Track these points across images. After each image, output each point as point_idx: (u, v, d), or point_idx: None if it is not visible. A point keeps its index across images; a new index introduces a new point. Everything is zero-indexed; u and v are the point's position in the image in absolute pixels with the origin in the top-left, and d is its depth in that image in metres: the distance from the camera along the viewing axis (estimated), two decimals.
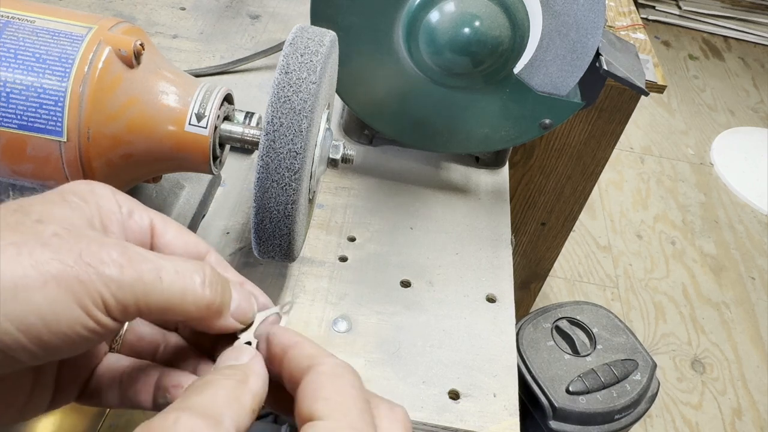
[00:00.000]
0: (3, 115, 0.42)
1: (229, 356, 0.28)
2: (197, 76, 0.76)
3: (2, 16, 0.43)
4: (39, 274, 0.23)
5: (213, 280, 0.27)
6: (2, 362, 0.23)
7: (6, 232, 0.24)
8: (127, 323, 0.31)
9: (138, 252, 0.26)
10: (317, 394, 0.25)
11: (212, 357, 0.30)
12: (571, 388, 0.76)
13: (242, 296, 0.29)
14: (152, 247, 0.29)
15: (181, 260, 0.27)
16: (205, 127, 0.45)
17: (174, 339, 0.31)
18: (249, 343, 0.29)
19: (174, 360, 0.31)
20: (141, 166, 0.47)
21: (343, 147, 0.51)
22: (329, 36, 0.46)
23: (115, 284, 0.24)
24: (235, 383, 0.25)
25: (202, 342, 0.31)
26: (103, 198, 0.28)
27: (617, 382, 0.78)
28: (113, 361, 0.30)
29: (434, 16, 0.55)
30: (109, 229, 0.27)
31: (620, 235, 1.97)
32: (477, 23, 0.54)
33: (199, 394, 0.24)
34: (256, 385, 0.26)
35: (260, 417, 0.30)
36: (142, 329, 0.31)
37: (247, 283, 0.31)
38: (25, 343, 0.23)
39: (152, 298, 0.25)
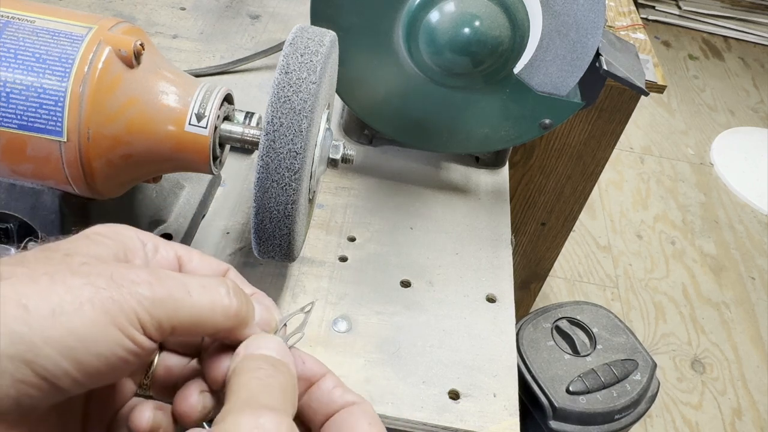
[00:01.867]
0: (3, 115, 0.42)
1: (259, 343, 0.29)
2: (197, 76, 0.76)
3: (2, 16, 0.43)
4: (74, 298, 0.24)
5: (237, 290, 0.28)
6: (46, 392, 0.23)
7: (38, 265, 0.25)
8: (157, 357, 0.31)
9: (164, 272, 0.27)
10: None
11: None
12: (571, 388, 0.76)
13: (263, 308, 0.30)
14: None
15: (204, 277, 0.28)
16: (205, 127, 0.45)
17: (193, 367, 0.32)
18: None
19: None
20: (141, 166, 0.47)
21: (343, 147, 0.51)
22: (329, 36, 0.46)
23: (148, 301, 0.25)
24: (286, 375, 0.27)
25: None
26: (127, 237, 0.29)
27: (617, 382, 0.78)
28: (132, 404, 0.31)
29: (434, 16, 0.55)
30: (133, 263, 0.28)
31: (620, 235, 1.97)
32: (477, 23, 0.54)
33: (254, 388, 0.26)
34: (294, 376, 0.28)
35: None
36: (170, 361, 0.31)
37: (258, 293, 0.32)
38: (67, 368, 0.23)
39: (183, 313, 0.26)
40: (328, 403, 0.29)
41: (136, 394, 0.31)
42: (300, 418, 0.29)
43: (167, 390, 0.31)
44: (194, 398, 0.29)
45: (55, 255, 0.26)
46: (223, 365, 0.29)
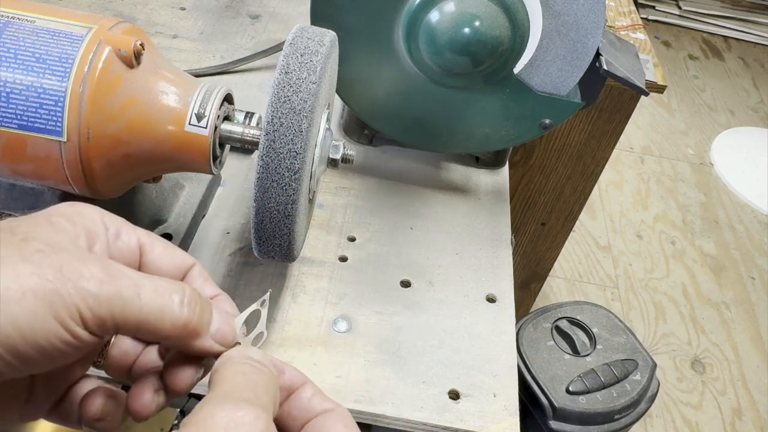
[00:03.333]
0: (3, 115, 0.42)
1: (245, 351, 0.28)
2: (197, 76, 0.76)
3: (2, 16, 0.43)
4: (18, 286, 0.24)
5: (192, 301, 0.28)
6: None
7: None
8: (113, 338, 0.31)
9: (119, 268, 0.26)
10: None
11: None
12: (571, 388, 0.76)
13: (223, 319, 0.29)
14: (141, 265, 0.30)
15: (163, 280, 0.27)
16: (205, 127, 0.45)
17: (149, 353, 0.31)
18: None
19: (143, 376, 0.31)
20: (141, 166, 0.47)
21: (343, 147, 0.51)
22: (329, 36, 0.46)
23: (92, 299, 0.25)
24: (269, 374, 0.27)
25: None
26: (89, 219, 0.28)
27: (617, 382, 0.78)
28: (83, 384, 0.31)
29: (434, 16, 0.55)
30: (93, 250, 0.28)
31: (620, 235, 1.97)
32: (477, 23, 0.54)
33: (238, 383, 0.25)
34: (276, 379, 0.28)
35: None
36: (126, 345, 0.31)
37: (220, 296, 0.32)
38: (2, 354, 0.24)
39: (129, 314, 0.26)
40: (307, 410, 0.29)
41: (95, 365, 0.31)
42: (280, 426, 0.29)
43: (122, 371, 0.31)
44: (147, 397, 0.29)
45: (13, 239, 0.25)
46: (182, 375, 0.29)
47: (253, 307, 0.31)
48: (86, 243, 0.28)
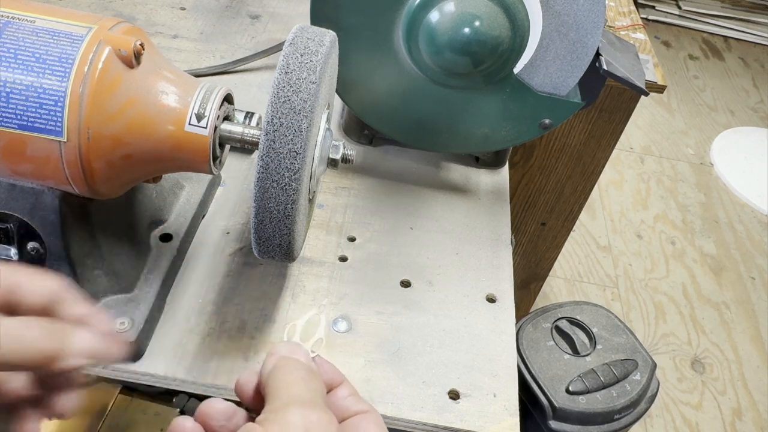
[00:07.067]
0: (3, 115, 0.42)
1: (291, 348, 0.31)
2: (197, 76, 0.76)
3: (2, 16, 0.43)
4: None
5: (50, 331, 0.29)
6: None
7: None
8: None
9: None
10: None
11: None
12: (571, 388, 0.76)
13: (83, 336, 0.30)
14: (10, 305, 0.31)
15: (16, 319, 0.28)
16: (205, 127, 0.45)
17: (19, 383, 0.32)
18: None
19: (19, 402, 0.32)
20: (141, 167, 0.47)
21: (343, 147, 0.51)
22: (329, 36, 0.46)
23: None
24: (320, 380, 0.30)
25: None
26: None
27: (617, 382, 0.78)
28: None
29: (434, 16, 0.55)
30: None
31: (620, 235, 1.97)
32: (477, 23, 0.54)
33: (301, 389, 0.28)
34: (319, 377, 0.31)
35: None
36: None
37: (95, 312, 0.32)
38: None
39: None
40: (342, 409, 0.31)
41: None
42: None
43: None
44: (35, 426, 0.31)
45: None
46: (66, 399, 0.31)
47: (312, 313, 0.33)
48: None
